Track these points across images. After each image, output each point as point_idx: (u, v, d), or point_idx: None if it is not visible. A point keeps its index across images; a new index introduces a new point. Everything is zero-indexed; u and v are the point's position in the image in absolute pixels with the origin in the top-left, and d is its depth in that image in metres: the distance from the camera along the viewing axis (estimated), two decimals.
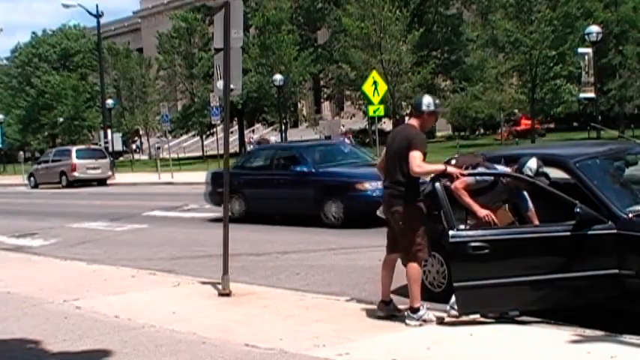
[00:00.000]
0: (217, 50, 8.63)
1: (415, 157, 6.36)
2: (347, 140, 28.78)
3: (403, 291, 7.00)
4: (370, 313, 6.97)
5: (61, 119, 65.11)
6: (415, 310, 6.47)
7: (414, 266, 6.55)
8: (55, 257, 12.09)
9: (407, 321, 6.49)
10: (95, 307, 7.89)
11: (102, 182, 34.63)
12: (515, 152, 7.85)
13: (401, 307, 6.78)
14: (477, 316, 6.41)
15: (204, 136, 57.47)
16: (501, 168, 6.85)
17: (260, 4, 50.26)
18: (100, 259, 11.75)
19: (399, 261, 6.83)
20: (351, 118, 59.44)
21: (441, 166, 6.60)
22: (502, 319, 6.38)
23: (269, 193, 15.51)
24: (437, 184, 6.53)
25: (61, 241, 14.68)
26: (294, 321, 6.90)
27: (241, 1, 8.58)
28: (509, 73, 38.00)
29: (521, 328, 6.19)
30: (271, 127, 57.06)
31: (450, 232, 6.30)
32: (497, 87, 37.85)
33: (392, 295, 6.92)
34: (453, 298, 6.45)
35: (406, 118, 46.30)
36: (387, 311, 6.75)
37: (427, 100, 6.71)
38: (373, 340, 6.08)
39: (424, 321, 6.43)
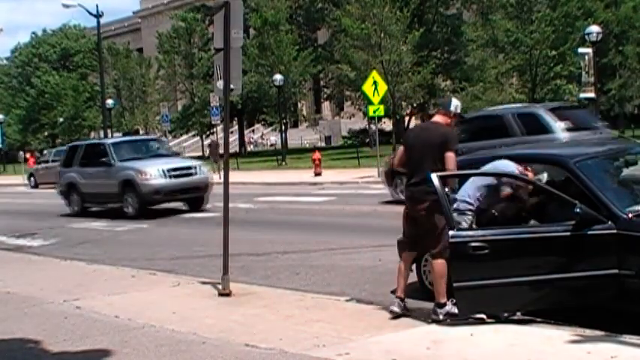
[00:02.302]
0: (217, 50, 8.64)
1: (453, 159, 6.67)
2: None
3: (406, 291, 6.99)
4: (370, 313, 6.98)
5: (61, 119, 65.14)
6: (442, 305, 6.52)
7: (441, 262, 6.58)
8: (55, 257, 12.09)
9: (433, 316, 6.56)
10: (95, 307, 7.90)
11: None
12: (517, 153, 7.85)
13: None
14: (477, 316, 6.41)
15: (204, 136, 57.49)
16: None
17: (259, 4, 50.23)
18: (100, 259, 11.75)
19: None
20: (350, 118, 59.39)
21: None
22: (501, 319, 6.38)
23: None
24: (436, 182, 6.53)
25: (61, 241, 14.68)
26: (294, 321, 6.90)
27: (241, 1, 8.59)
28: (510, 73, 37.89)
29: (521, 328, 6.19)
30: (271, 127, 57.09)
31: (450, 232, 6.30)
32: (498, 87, 37.74)
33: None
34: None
35: (406, 119, 46.40)
36: (402, 309, 6.77)
37: (455, 102, 7.16)
38: (373, 340, 6.08)
39: (450, 315, 6.46)
